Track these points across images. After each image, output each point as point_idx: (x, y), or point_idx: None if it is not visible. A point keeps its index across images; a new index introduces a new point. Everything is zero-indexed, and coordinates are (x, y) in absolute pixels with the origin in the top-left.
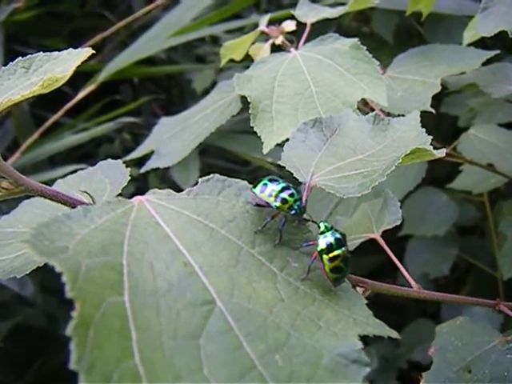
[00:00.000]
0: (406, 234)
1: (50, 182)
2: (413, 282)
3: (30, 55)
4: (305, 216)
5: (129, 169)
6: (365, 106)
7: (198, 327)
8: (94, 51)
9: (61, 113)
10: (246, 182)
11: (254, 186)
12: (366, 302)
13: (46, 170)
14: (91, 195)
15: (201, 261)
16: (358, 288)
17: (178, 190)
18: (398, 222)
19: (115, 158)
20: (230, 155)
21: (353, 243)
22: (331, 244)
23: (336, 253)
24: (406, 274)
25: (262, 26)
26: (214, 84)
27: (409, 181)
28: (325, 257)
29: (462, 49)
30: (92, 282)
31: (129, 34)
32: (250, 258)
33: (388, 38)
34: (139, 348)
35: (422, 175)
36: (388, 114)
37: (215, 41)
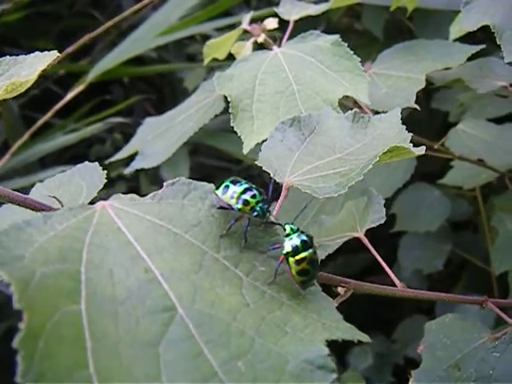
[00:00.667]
0: (399, 230)
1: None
2: (397, 281)
3: None
4: (272, 219)
5: (105, 171)
6: (354, 104)
7: (158, 335)
8: (59, 54)
9: (50, 114)
10: (212, 185)
11: (217, 188)
12: (336, 305)
13: (37, 171)
14: (60, 200)
15: (162, 266)
16: (339, 288)
17: None
18: (382, 221)
19: (106, 158)
20: (221, 153)
21: (337, 242)
22: (297, 246)
23: (302, 255)
24: (390, 272)
25: (245, 24)
26: None
27: (397, 178)
28: (291, 259)
29: (447, 44)
30: (45, 291)
31: (118, 34)
32: (215, 262)
33: (378, 34)
34: (94, 357)
35: (411, 172)
36: (375, 112)
37: (206, 39)
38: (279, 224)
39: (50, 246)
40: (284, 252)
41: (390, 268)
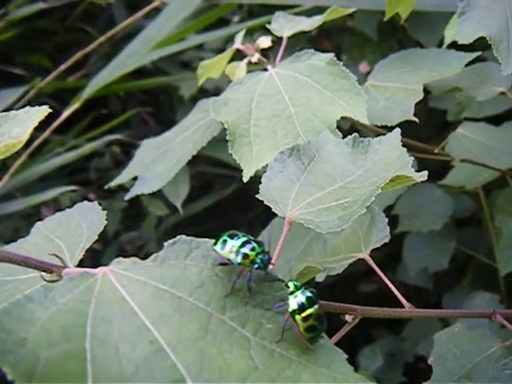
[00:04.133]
0: (402, 231)
1: (42, 205)
2: (404, 301)
3: None
4: (273, 273)
5: (105, 212)
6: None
7: None
8: (50, 110)
9: (48, 132)
10: (213, 242)
11: (215, 244)
12: (346, 356)
13: (37, 189)
14: (61, 257)
15: (168, 335)
16: (347, 316)
17: (171, 203)
18: (387, 240)
19: (106, 171)
20: (221, 161)
21: (342, 264)
22: (303, 304)
23: (308, 312)
24: (398, 294)
25: (237, 44)
26: (201, 90)
27: None
28: (297, 317)
29: (443, 52)
30: (51, 380)
31: (112, 45)
32: (221, 325)
33: (371, 35)
34: None
35: None
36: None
37: (199, 46)
38: (282, 280)
39: (53, 324)
40: (290, 310)
41: (397, 265)
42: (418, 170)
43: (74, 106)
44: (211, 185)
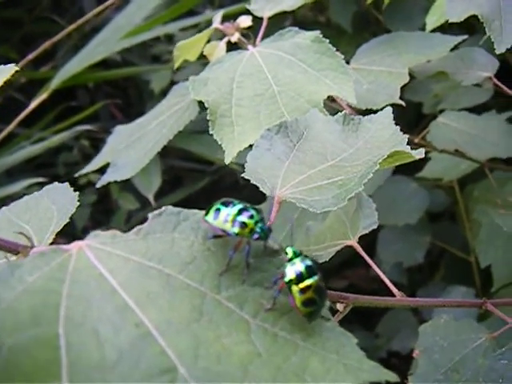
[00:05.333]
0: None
1: (8, 200)
2: (395, 290)
3: None
4: (272, 243)
5: (77, 193)
6: (332, 102)
7: None
8: (17, 68)
9: (14, 124)
10: (204, 212)
11: (206, 214)
12: (356, 341)
13: (3, 184)
14: (28, 236)
15: (156, 318)
16: (338, 304)
17: (141, 197)
18: (375, 226)
19: (74, 165)
20: (192, 155)
21: (328, 252)
22: (301, 273)
23: (307, 283)
24: (388, 282)
25: (216, 23)
26: (171, 83)
27: (378, 175)
28: (294, 288)
29: (427, 35)
30: (16, 372)
31: (81, 37)
32: (217, 306)
33: (346, 27)
34: None
35: (392, 168)
36: (357, 110)
37: (170, 39)
38: (283, 252)
39: (20, 305)
40: (286, 280)
41: (372, 258)
42: None
43: (42, 96)
44: (181, 180)
